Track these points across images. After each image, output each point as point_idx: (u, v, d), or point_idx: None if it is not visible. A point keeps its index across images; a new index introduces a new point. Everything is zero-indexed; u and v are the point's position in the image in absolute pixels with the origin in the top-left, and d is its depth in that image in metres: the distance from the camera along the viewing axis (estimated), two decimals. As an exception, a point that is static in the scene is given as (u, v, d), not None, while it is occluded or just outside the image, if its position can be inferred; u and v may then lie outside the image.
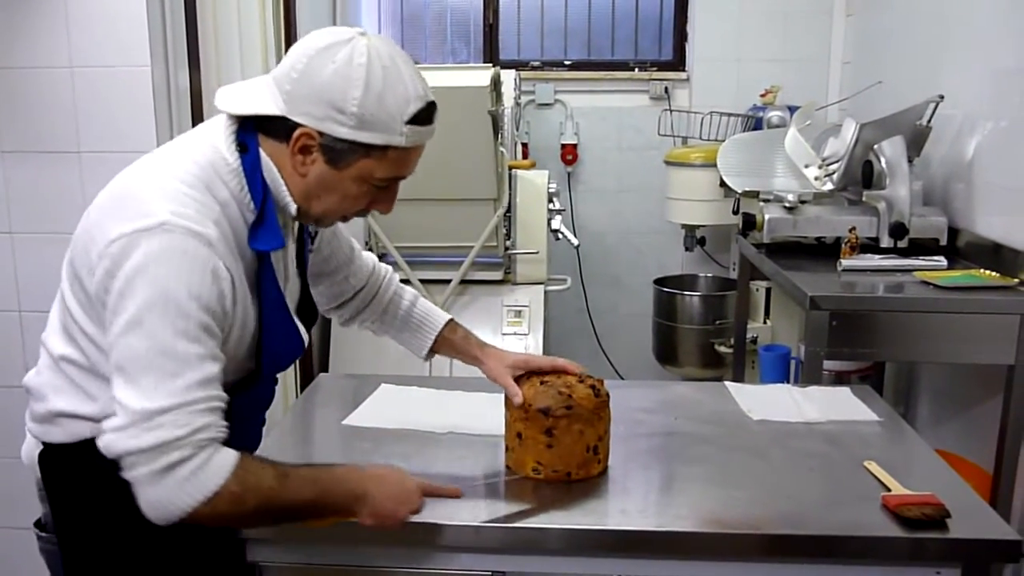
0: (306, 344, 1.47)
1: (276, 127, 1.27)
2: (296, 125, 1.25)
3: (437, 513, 1.35)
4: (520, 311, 3.16)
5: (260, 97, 1.28)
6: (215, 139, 1.29)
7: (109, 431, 1.17)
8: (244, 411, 1.37)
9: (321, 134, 1.25)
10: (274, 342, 1.37)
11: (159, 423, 1.15)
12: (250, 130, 1.30)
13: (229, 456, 1.19)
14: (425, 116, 1.28)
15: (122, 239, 1.19)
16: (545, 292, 3.24)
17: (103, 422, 1.18)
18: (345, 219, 1.41)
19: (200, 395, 1.18)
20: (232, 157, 1.27)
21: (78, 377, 1.31)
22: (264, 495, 1.21)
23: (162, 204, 1.21)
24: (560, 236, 3.27)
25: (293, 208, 1.32)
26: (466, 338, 1.66)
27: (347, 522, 1.28)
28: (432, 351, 1.69)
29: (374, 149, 1.26)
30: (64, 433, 1.32)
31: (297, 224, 1.44)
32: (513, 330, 3.10)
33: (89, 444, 1.30)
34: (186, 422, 1.16)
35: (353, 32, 1.26)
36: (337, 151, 1.26)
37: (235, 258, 1.27)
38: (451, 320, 1.68)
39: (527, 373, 1.55)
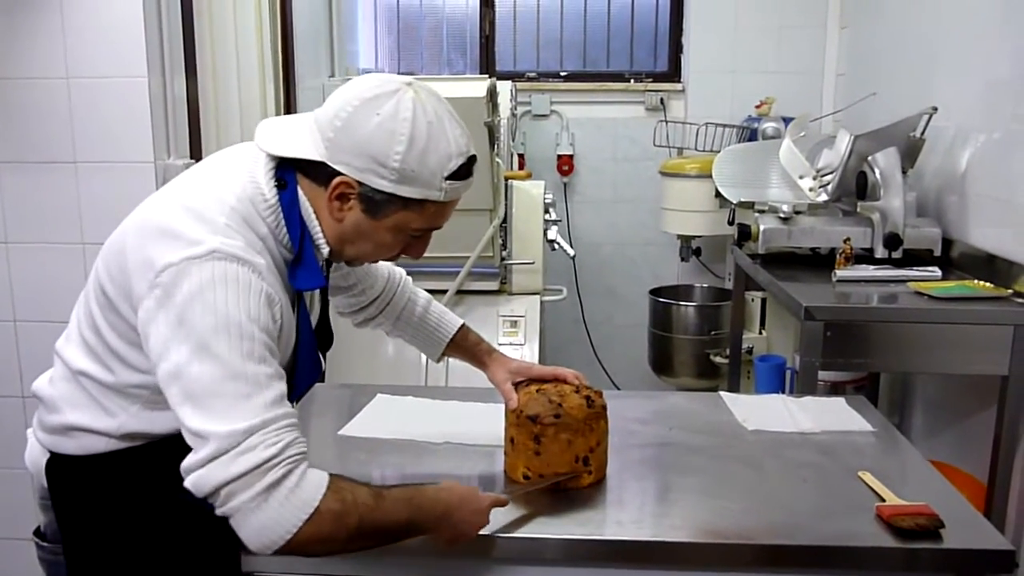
0: (323, 368, 1.48)
1: (315, 170, 1.27)
2: (336, 172, 1.25)
3: (432, 523, 1.35)
4: (516, 321, 3.16)
5: (301, 139, 1.27)
6: (255, 172, 1.28)
7: (196, 467, 1.14)
8: None
9: (360, 184, 1.25)
10: (300, 372, 1.38)
11: (250, 445, 1.13)
12: (289, 167, 1.29)
13: (321, 473, 1.18)
14: (465, 171, 1.29)
15: (171, 268, 1.17)
16: (541, 302, 3.24)
17: (183, 462, 1.15)
18: (376, 262, 1.42)
19: (280, 412, 1.17)
20: (270, 193, 1.27)
21: (98, 393, 1.30)
22: (362, 513, 1.18)
23: (210, 235, 1.20)
24: (556, 246, 3.27)
25: (326, 251, 1.32)
26: (477, 344, 1.69)
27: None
28: (443, 355, 1.71)
29: (412, 202, 1.27)
30: (77, 446, 1.31)
31: None
32: (509, 340, 3.10)
33: (101, 459, 1.30)
34: (276, 440, 1.14)
35: (400, 83, 1.26)
36: (375, 202, 1.26)
37: (281, 290, 1.28)
38: (463, 325, 1.71)
39: (527, 380, 1.56)
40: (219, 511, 1.14)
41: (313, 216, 1.30)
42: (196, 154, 2.45)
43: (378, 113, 1.22)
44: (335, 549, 1.20)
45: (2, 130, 2.34)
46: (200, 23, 2.46)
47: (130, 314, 1.22)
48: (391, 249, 1.35)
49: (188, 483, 1.15)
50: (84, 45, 2.27)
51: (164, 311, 1.16)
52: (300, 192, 1.29)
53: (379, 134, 1.22)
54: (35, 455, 1.36)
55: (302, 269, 1.29)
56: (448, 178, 1.27)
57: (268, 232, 1.27)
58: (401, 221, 1.29)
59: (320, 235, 1.31)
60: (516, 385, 1.56)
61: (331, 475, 1.19)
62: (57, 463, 1.33)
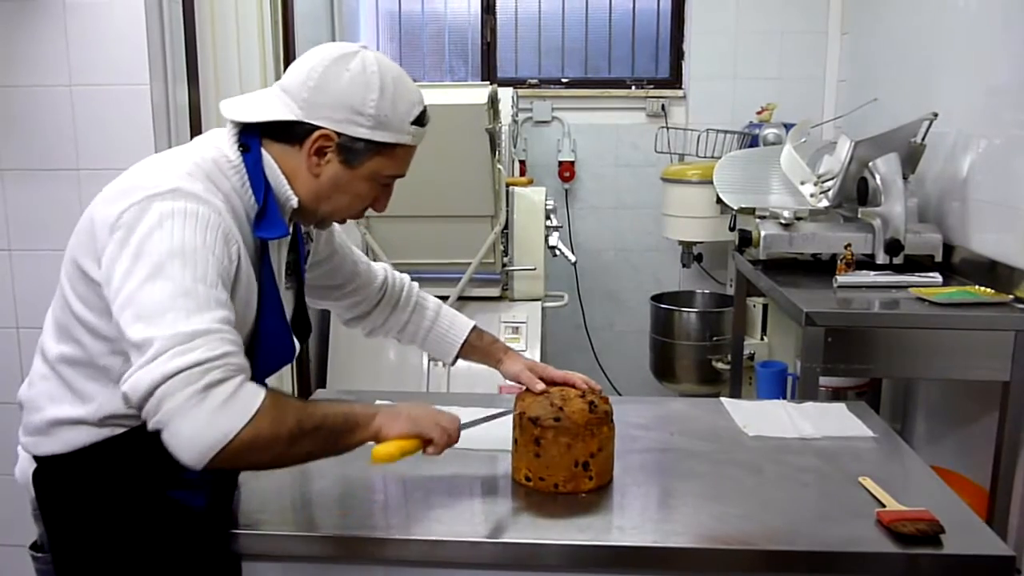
0: (296, 352, 1.49)
1: (287, 132, 1.34)
2: (313, 129, 1.32)
3: (434, 529, 1.36)
4: (518, 327, 3.17)
5: (271, 105, 1.35)
6: (217, 140, 1.35)
7: (135, 370, 1.14)
8: None
9: (339, 135, 1.33)
10: (268, 340, 1.38)
11: (192, 346, 1.14)
12: (253, 135, 1.35)
13: (259, 386, 1.20)
14: (424, 118, 1.40)
15: (133, 207, 1.22)
16: (543, 308, 3.24)
17: (127, 370, 1.16)
18: (343, 221, 1.49)
19: (226, 328, 1.19)
20: (234, 155, 1.33)
21: (73, 377, 1.31)
22: (298, 413, 1.22)
23: (171, 179, 1.25)
24: (557, 253, 3.28)
25: (294, 201, 1.37)
26: (492, 343, 1.73)
27: (359, 525, 1.31)
28: (458, 357, 1.74)
29: (386, 148, 1.36)
30: (58, 443, 1.31)
31: (290, 238, 1.46)
32: (511, 346, 3.10)
33: (82, 453, 1.30)
34: (217, 346, 1.16)
35: (357, 46, 1.37)
36: (353, 151, 1.35)
37: (241, 240, 1.30)
38: (475, 326, 1.73)
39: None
40: (152, 422, 1.14)
41: (280, 175, 1.36)
42: (198, 161, 2.46)
43: (348, 69, 1.32)
44: (275, 454, 1.21)
45: (5, 138, 2.35)
46: (202, 31, 2.47)
47: (97, 266, 1.25)
48: (363, 201, 1.42)
49: (125, 388, 1.15)
50: (87, 53, 2.28)
51: (125, 248, 1.20)
52: (265, 154, 1.35)
53: (353, 87, 1.32)
54: (23, 466, 1.36)
55: (266, 220, 1.34)
56: (413, 123, 1.37)
57: (231, 189, 1.32)
58: (375, 168, 1.38)
59: (288, 189, 1.36)
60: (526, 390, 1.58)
61: (268, 388, 1.22)
62: (42, 467, 1.33)
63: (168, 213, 1.21)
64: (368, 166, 1.37)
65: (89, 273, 1.26)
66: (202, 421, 1.12)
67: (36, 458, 1.34)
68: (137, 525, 1.31)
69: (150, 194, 1.22)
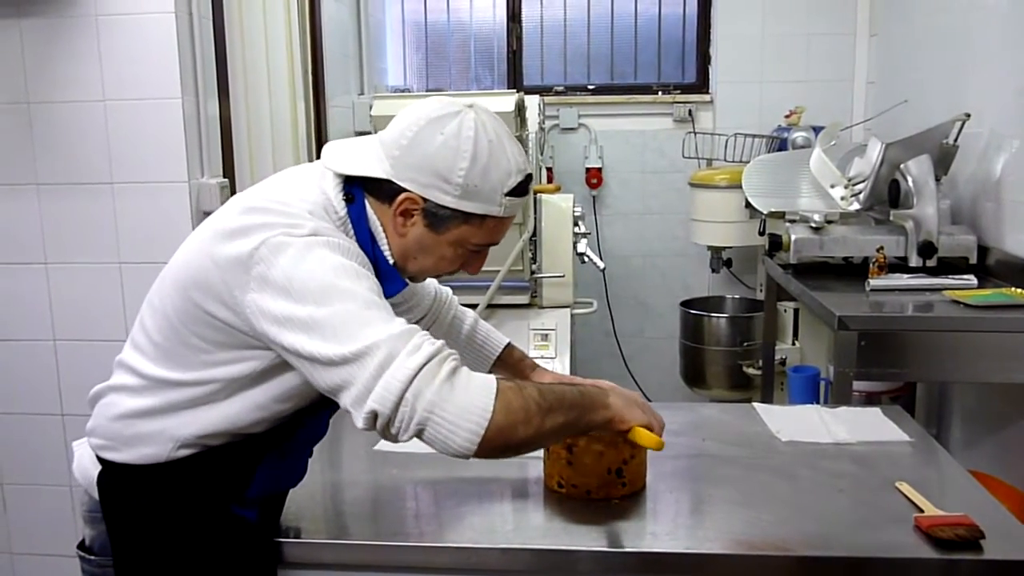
0: None
1: (380, 188, 1.30)
2: (401, 189, 1.29)
3: (466, 536, 1.36)
4: (547, 335, 3.16)
5: (368, 159, 1.31)
6: (324, 185, 1.31)
7: (372, 381, 1.12)
8: (300, 443, 1.40)
9: (425, 200, 1.29)
10: None
11: (418, 342, 1.15)
12: (356, 185, 1.32)
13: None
14: (522, 188, 1.33)
15: (269, 242, 1.19)
16: (571, 315, 3.23)
17: (346, 399, 1.15)
18: (438, 277, 1.45)
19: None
20: (340, 206, 1.30)
21: (175, 399, 1.28)
22: (531, 387, 1.22)
23: (303, 219, 1.23)
24: (586, 259, 3.27)
25: (391, 261, 1.35)
26: (522, 360, 1.72)
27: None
28: (489, 371, 1.73)
29: (473, 218, 1.31)
30: (135, 454, 1.29)
31: None
32: (540, 354, 3.09)
33: (156, 469, 1.29)
34: (432, 340, 1.17)
35: (461, 105, 1.31)
36: (438, 217, 1.30)
37: None
38: (509, 343, 1.74)
39: None
40: (412, 425, 1.13)
41: (380, 229, 1.33)
42: (229, 173, 2.49)
43: (442, 132, 1.27)
44: (534, 427, 1.19)
45: (41, 153, 2.39)
46: (232, 45, 2.50)
47: (222, 311, 1.22)
48: (451, 264, 1.38)
49: (370, 403, 1.12)
50: (120, 68, 2.32)
51: (272, 281, 1.17)
52: (368, 207, 1.32)
53: (443, 151, 1.26)
54: (85, 466, 1.34)
55: (382, 276, 1.31)
56: (508, 194, 1.31)
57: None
58: (462, 236, 1.33)
59: (387, 248, 1.34)
60: None
61: None
62: (110, 474, 1.31)
63: (306, 245, 1.19)
64: (454, 233, 1.32)
65: (209, 311, 1.23)
66: (462, 402, 1.13)
67: (102, 461, 1.32)
68: (200, 537, 1.30)
69: (287, 231, 1.20)
